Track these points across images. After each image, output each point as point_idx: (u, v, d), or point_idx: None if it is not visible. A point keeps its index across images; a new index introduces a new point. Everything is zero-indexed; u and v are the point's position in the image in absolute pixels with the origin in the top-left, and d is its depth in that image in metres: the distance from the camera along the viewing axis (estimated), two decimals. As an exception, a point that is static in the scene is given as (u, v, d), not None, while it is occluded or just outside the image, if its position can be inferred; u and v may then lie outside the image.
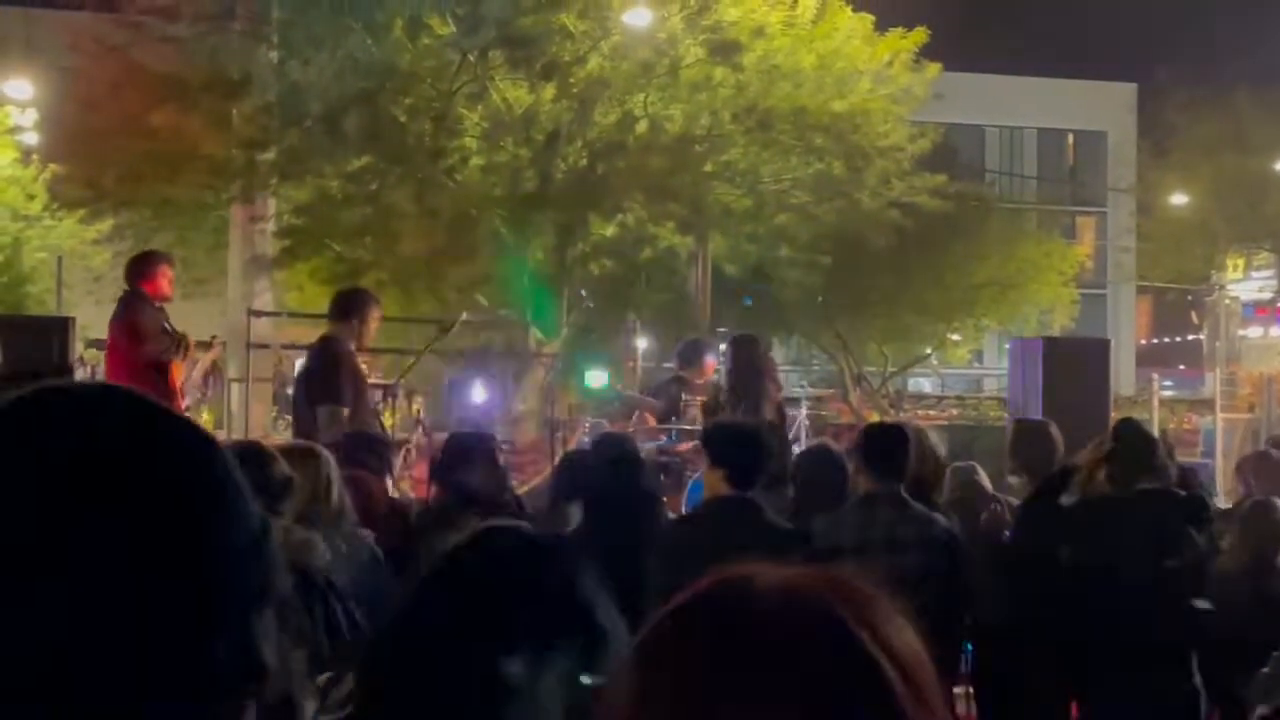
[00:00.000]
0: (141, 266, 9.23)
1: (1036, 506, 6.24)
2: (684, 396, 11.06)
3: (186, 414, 8.47)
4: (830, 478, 5.93)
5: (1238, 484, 8.33)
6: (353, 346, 8.08)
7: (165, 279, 9.20)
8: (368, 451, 6.25)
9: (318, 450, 5.09)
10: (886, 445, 5.72)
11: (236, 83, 16.23)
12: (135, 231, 19.62)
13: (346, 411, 7.60)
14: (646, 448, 9.28)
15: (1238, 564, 6.45)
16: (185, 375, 9.40)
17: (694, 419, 10.57)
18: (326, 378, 7.80)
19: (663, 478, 9.07)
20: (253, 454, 4.21)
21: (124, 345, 9.11)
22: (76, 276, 22.42)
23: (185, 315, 9.68)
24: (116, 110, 17.05)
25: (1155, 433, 7.54)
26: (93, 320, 17.79)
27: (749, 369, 9.70)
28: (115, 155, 17.41)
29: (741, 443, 5.69)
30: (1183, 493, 6.14)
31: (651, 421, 10.87)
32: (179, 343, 9.01)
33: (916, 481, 5.83)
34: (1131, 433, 6.23)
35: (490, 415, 10.78)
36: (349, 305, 8.25)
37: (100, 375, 19.74)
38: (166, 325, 9.17)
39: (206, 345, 9.66)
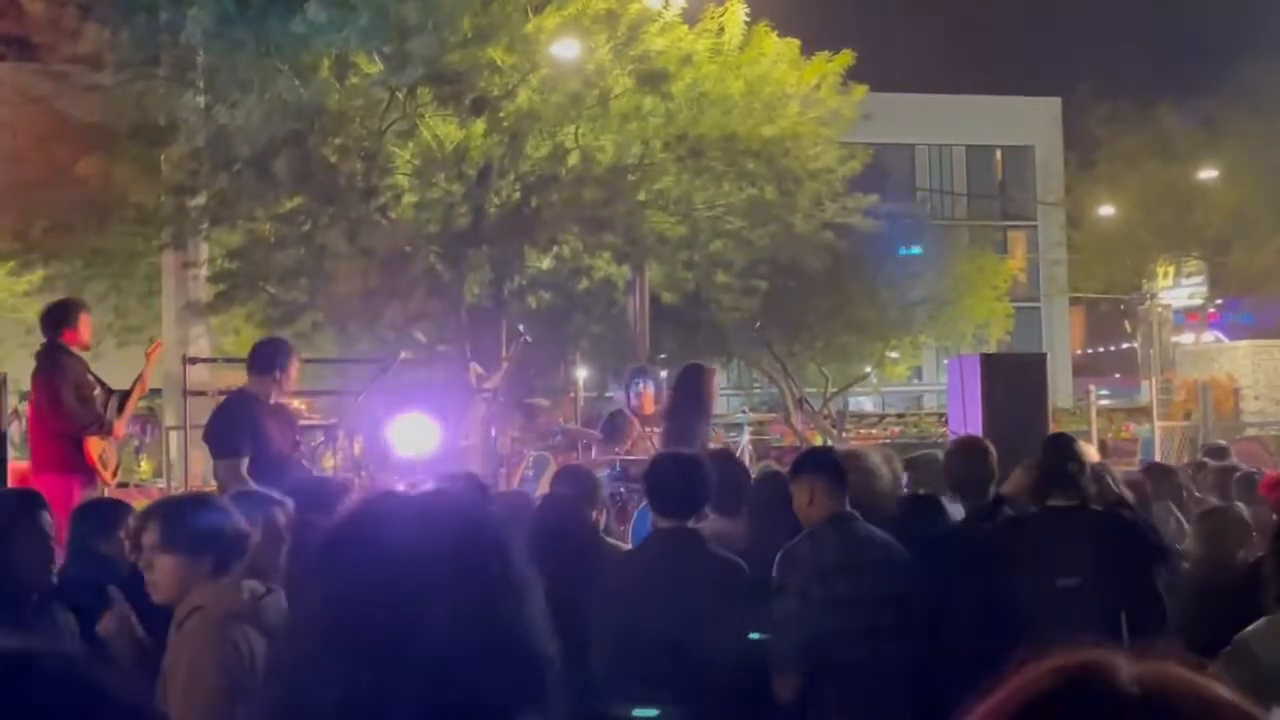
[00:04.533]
0: (61, 316, 9.06)
1: (963, 536, 6.28)
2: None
3: (106, 487, 8.34)
4: (785, 504, 5.94)
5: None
6: (268, 397, 8.02)
7: (86, 326, 9.08)
8: (316, 496, 6.21)
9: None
10: (841, 466, 5.77)
11: (163, 129, 16.11)
12: (66, 282, 19.41)
13: (245, 462, 7.60)
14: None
15: (1196, 569, 6.50)
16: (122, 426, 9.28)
17: (645, 449, 10.59)
18: (221, 431, 7.83)
19: (608, 509, 9.05)
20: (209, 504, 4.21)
21: (44, 409, 8.96)
22: (8, 329, 22.13)
23: (120, 364, 9.58)
24: (43, 161, 16.88)
25: (1086, 445, 7.56)
26: (26, 374, 17.57)
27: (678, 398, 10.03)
28: (43, 206, 17.22)
29: (673, 474, 5.69)
30: (1099, 509, 6.15)
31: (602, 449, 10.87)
32: (99, 418, 8.86)
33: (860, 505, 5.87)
34: (1049, 449, 6.24)
35: (434, 452, 10.72)
36: (267, 357, 8.20)
37: (35, 429, 19.46)
38: (90, 377, 9.04)
39: (126, 394, 9.52)
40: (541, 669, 1.61)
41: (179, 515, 4.07)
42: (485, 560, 1.64)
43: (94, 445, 8.80)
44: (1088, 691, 1.04)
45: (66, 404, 8.73)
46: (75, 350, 8.97)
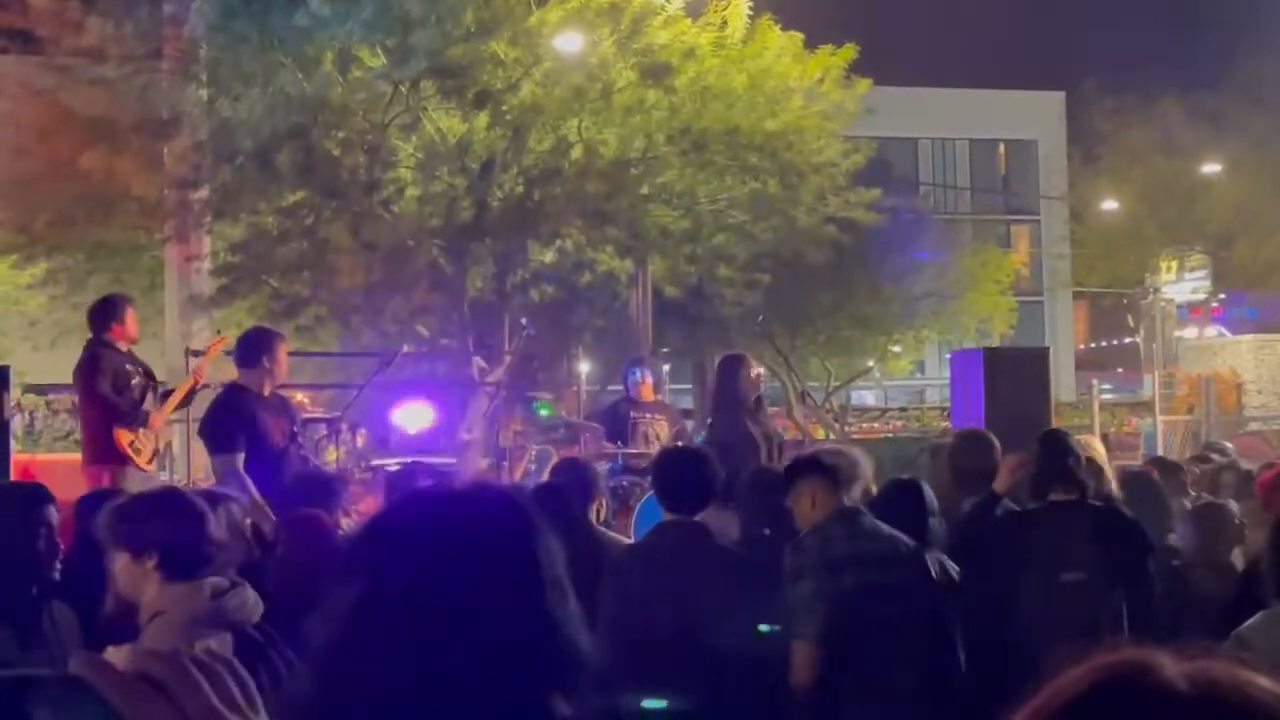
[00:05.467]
0: (108, 312, 9.17)
1: (964, 530, 6.29)
2: (632, 415, 11.09)
3: (142, 473, 8.41)
4: (775, 498, 5.95)
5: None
6: (261, 390, 8.00)
7: (132, 320, 9.19)
8: (319, 490, 6.22)
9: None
10: (835, 465, 5.78)
11: (166, 122, 16.11)
12: (69, 275, 19.42)
13: (241, 457, 7.60)
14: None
15: (1189, 567, 6.51)
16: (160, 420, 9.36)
17: (646, 439, 10.61)
18: (216, 427, 7.82)
19: (607, 501, 9.06)
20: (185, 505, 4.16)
21: (82, 402, 9.14)
22: (11, 322, 22.16)
23: (123, 358, 9.62)
24: (45, 154, 16.87)
25: (1093, 439, 7.56)
26: (29, 366, 17.60)
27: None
28: (46, 200, 17.21)
29: (680, 468, 5.71)
30: (1098, 504, 6.16)
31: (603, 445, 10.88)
32: (135, 408, 8.93)
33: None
34: (1047, 444, 6.25)
35: (436, 446, 10.73)
36: (255, 348, 8.18)
37: (38, 420, 19.53)
38: (130, 367, 9.10)
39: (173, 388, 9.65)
40: (579, 662, 1.64)
41: (131, 513, 3.99)
42: (533, 553, 1.68)
43: (123, 434, 8.88)
44: (1137, 689, 1.03)
45: (102, 394, 8.85)
46: (121, 345, 9.07)
